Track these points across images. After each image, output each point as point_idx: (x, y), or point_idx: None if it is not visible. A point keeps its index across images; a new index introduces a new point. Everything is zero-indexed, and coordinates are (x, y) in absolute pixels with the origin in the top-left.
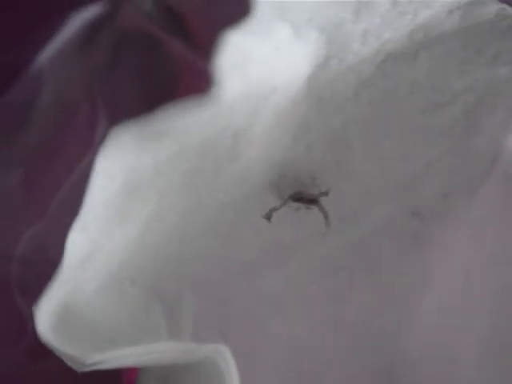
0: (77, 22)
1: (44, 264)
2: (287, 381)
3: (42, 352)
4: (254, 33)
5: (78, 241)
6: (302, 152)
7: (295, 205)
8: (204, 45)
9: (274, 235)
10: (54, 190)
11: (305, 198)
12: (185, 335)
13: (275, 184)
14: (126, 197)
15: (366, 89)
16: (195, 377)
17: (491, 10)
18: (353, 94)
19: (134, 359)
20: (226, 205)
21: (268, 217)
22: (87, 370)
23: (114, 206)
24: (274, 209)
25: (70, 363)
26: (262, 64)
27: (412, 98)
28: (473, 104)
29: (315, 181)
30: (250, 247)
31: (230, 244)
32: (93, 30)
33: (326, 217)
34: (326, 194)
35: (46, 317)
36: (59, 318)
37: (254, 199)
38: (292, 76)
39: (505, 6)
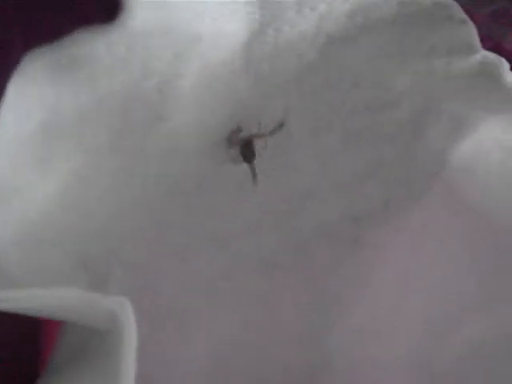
0: None
1: None
2: (212, 374)
3: None
4: None
5: None
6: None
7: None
8: None
9: (208, 220)
10: None
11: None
12: None
13: (210, 151)
14: (46, 142)
15: (309, 75)
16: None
17: None
18: (295, 79)
19: (36, 302)
20: (157, 178)
21: None
22: None
23: (32, 150)
24: None
25: None
26: (184, 5)
27: (356, 91)
28: (418, 111)
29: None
30: (182, 231)
31: (162, 225)
32: None
33: (253, 171)
34: (264, 135)
35: None
36: None
37: (188, 172)
38: (221, 33)
39: None
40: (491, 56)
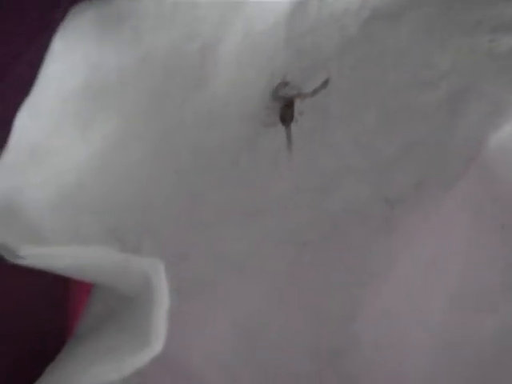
0: None
1: None
2: (234, 345)
3: None
4: None
5: (28, 127)
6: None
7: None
8: None
9: (241, 194)
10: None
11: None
12: None
13: (247, 121)
14: (88, 102)
15: (350, 51)
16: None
17: None
18: (336, 54)
19: (68, 261)
20: (194, 149)
21: None
22: (19, 261)
23: (74, 108)
24: None
25: (2, 251)
26: None
27: (396, 69)
28: (457, 91)
29: None
30: (214, 204)
31: (194, 197)
32: None
33: (289, 135)
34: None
35: None
36: (1, 211)
37: (225, 144)
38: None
39: None
40: None
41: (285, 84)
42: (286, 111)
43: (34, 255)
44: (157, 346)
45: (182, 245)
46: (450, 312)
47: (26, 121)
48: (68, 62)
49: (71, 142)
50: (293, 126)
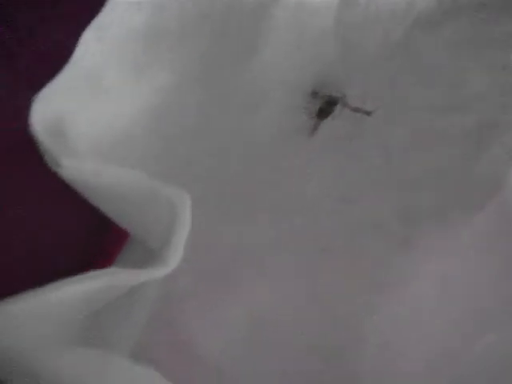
0: None
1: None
2: (248, 337)
3: None
4: None
5: (92, 46)
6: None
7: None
8: None
9: (271, 192)
10: None
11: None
12: None
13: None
14: (147, 45)
15: (390, 58)
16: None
17: None
18: (378, 59)
19: (102, 180)
20: (235, 131)
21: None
22: (61, 172)
23: (134, 48)
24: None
25: (47, 158)
26: None
27: (432, 86)
28: (486, 120)
29: None
30: (244, 197)
31: (225, 187)
32: None
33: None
34: (349, 107)
35: (41, 115)
36: (54, 122)
37: (265, 134)
38: None
39: None
40: None
41: (328, 83)
42: (325, 109)
43: (72, 167)
44: (172, 263)
45: (207, 233)
46: (453, 327)
47: (91, 41)
48: None
49: (125, 83)
50: (326, 131)
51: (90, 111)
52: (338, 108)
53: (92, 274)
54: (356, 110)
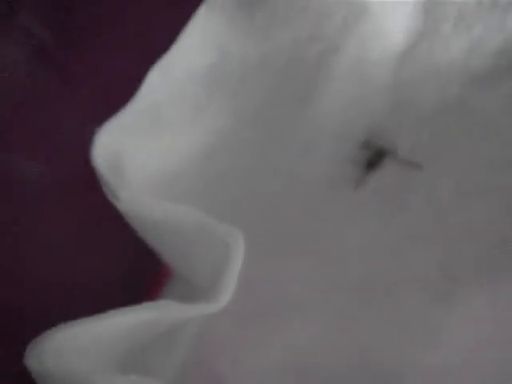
0: None
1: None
2: (282, 377)
3: None
4: None
5: (156, 84)
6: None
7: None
8: None
9: (314, 238)
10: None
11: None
12: None
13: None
14: (208, 89)
15: (445, 114)
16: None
17: None
18: (431, 115)
19: (156, 214)
20: (290, 171)
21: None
22: (118, 204)
23: (194, 90)
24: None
25: (106, 191)
26: None
27: (484, 145)
28: None
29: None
30: (289, 239)
31: (271, 227)
32: None
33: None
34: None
35: (103, 147)
36: (114, 156)
37: (313, 179)
38: (383, 24)
39: None
40: None
41: (380, 135)
42: (374, 160)
43: (129, 200)
44: (223, 300)
45: (253, 273)
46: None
47: (155, 79)
48: (203, 37)
49: (183, 122)
50: (374, 182)
51: (148, 147)
52: (387, 160)
53: (146, 305)
54: (406, 162)
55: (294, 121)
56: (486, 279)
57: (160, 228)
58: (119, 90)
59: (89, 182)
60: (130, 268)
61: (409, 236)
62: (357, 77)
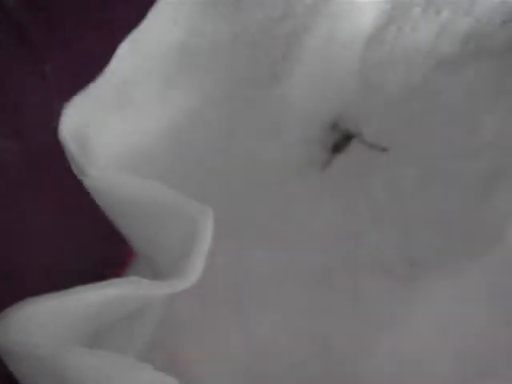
0: None
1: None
2: (246, 367)
3: None
4: None
5: (126, 59)
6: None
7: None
8: None
9: (277, 221)
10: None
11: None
12: None
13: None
14: (178, 65)
15: (410, 99)
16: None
17: None
18: (398, 99)
19: (124, 190)
20: (254, 155)
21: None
22: (85, 180)
23: (165, 65)
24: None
25: (73, 166)
26: None
27: (446, 131)
28: (494, 168)
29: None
30: (250, 223)
31: (233, 210)
32: None
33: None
34: (365, 143)
35: (70, 123)
36: (81, 131)
37: (280, 163)
38: (353, 4)
39: None
40: None
41: (347, 118)
42: (341, 143)
43: (96, 176)
44: (193, 278)
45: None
46: (452, 369)
47: (125, 53)
48: (175, 14)
49: (152, 99)
50: (339, 166)
51: (115, 124)
52: (353, 143)
53: (113, 281)
54: (372, 146)
55: (262, 101)
56: (447, 264)
57: (128, 204)
58: (88, 65)
59: (60, 159)
60: (95, 249)
61: (371, 220)
62: (326, 58)
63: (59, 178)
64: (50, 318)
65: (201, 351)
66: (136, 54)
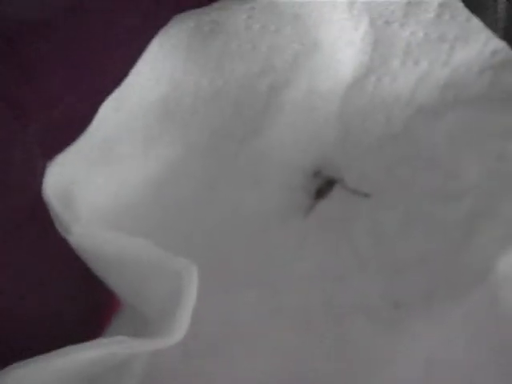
0: None
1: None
2: None
3: None
4: None
5: (109, 117)
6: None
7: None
8: None
9: (262, 266)
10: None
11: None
12: None
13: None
14: (161, 119)
15: (390, 146)
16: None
17: None
18: (378, 146)
19: (109, 248)
20: (236, 203)
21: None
22: (70, 238)
23: (148, 120)
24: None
25: (57, 224)
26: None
27: (427, 174)
28: (476, 210)
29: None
30: (235, 268)
31: (221, 257)
32: None
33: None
34: (348, 189)
35: (54, 181)
36: (65, 189)
37: (263, 210)
38: (333, 58)
39: None
40: None
41: (329, 165)
42: (324, 188)
43: (81, 234)
44: (178, 335)
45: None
46: None
47: (108, 111)
48: (156, 71)
49: (134, 154)
50: (322, 212)
51: (99, 180)
52: (336, 189)
53: (100, 341)
54: (354, 191)
55: (244, 153)
56: (431, 306)
57: (112, 261)
58: (72, 123)
59: (44, 217)
60: (83, 300)
61: (354, 264)
62: (307, 109)
63: (44, 236)
64: (39, 381)
65: None
66: (119, 111)
